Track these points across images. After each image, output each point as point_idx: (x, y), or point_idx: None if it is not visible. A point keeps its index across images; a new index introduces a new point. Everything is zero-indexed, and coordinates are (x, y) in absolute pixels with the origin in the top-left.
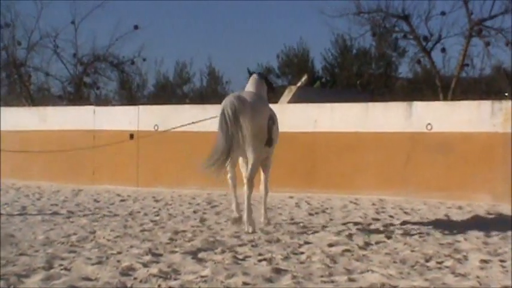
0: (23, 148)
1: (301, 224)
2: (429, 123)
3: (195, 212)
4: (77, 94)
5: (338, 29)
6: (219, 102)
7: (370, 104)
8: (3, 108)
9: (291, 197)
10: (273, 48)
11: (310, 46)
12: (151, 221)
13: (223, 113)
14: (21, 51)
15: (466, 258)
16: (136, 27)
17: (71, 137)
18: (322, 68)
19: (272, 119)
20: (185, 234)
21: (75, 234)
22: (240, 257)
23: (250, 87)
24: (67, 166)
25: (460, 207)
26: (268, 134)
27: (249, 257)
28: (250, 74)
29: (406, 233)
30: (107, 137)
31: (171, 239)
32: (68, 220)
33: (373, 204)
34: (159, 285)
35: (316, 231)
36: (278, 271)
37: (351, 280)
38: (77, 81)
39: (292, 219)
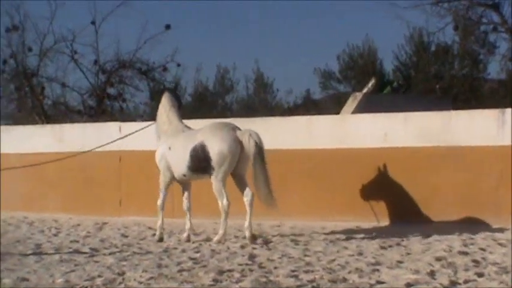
0: (36, 174)
1: (372, 260)
2: None
3: (242, 247)
4: (99, 108)
5: (413, 22)
6: (269, 114)
7: (453, 113)
8: (12, 127)
9: (358, 227)
10: (333, 48)
11: (378, 44)
12: (191, 258)
13: (259, 147)
14: (33, 58)
15: None
16: (168, 26)
17: (92, 159)
18: (394, 69)
19: None
20: (232, 274)
21: (100, 276)
22: None
23: (172, 107)
24: (89, 195)
25: None
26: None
27: None
28: (163, 90)
29: (502, 270)
30: (136, 159)
31: (215, 280)
32: (92, 259)
33: (459, 234)
34: None
35: (391, 268)
36: None
37: None
38: (99, 93)
39: (360, 253)
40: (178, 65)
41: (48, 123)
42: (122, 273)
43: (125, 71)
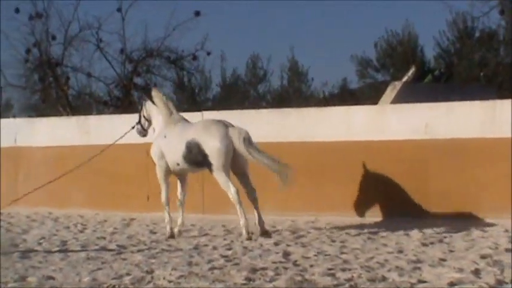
0: (60, 168)
1: (413, 258)
2: None
3: (276, 244)
4: (126, 99)
5: (456, 6)
6: (304, 105)
7: (499, 102)
8: (35, 119)
9: (398, 223)
10: (370, 35)
11: (419, 30)
12: (222, 256)
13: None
14: (57, 47)
15: None
16: (197, 13)
17: (118, 153)
18: (435, 57)
19: None
20: (265, 272)
21: (128, 274)
22: None
23: (169, 100)
24: (115, 190)
25: None
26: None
27: None
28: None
29: None
30: None
31: (248, 279)
32: (119, 257)
33: (506, 230)
34: None
35: (433, 266)
36: None
37: None
38: (126, 83)
39: (400, 251)
40: (208, 53)
41: (73, 114)
42: (151, 271)
43: (152, 59)
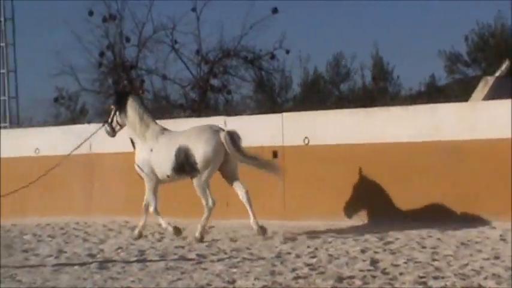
0: (136, 175)
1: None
2: None
3: (363, 251)
4: (202, 101)
5: None
6: (389, 104)
7: None
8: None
9: (493, 227)
10: (459, 28)
11: None
12: (307, 264)
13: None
14: (131, 49)
15: None
16: (275, 10)
17: None
18: None
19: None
20: (353, 281)
21: (209, 284)
22: None
23: (145, 111)
24: (193, 196)
25: None
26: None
27: None
28: (122, 94)
29: None
30: None
31: None
32: (199, 266)
33: None
34: None
35: None
36: None
37: None
38: (202, 85)
39: (497, 257)
40: (287, 51)
41: None
42: (233, 282)
43: (229, 60)
